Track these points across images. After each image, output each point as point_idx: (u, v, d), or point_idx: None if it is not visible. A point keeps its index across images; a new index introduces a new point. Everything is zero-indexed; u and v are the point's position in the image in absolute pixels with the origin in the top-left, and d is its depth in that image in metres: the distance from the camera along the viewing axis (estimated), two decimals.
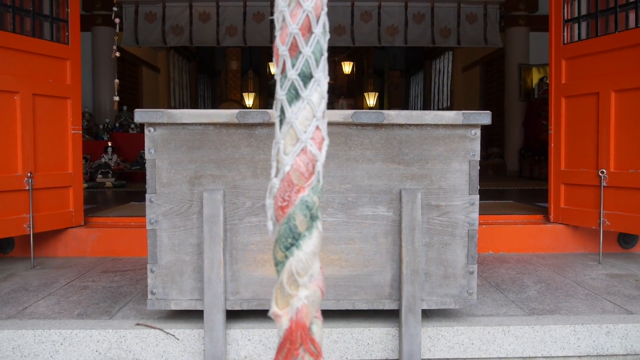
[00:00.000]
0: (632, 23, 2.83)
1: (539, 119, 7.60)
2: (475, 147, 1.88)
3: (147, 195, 1.86)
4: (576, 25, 3.15)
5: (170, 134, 1.85)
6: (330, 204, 1.87)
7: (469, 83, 11.22)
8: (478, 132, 1.88)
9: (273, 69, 9.21)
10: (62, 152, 3.05)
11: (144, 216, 1.88)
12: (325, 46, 0.64)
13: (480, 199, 1.95)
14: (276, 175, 0.65)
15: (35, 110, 2.88)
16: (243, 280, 1.87)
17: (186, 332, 1.89)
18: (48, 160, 2.96)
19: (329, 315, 2.02)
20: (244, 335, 1.90)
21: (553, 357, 1.95)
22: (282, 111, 0.64)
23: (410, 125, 1.86)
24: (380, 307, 1.89)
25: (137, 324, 1.93)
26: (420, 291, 1.85)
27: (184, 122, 1.82)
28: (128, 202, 4.47)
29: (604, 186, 2.90)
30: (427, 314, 2.03)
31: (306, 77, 0.64)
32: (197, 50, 13.72)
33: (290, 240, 0.64)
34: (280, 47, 0.64)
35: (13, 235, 2.87)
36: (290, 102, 0.64)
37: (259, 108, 14.42)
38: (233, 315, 1.97)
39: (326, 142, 0.65)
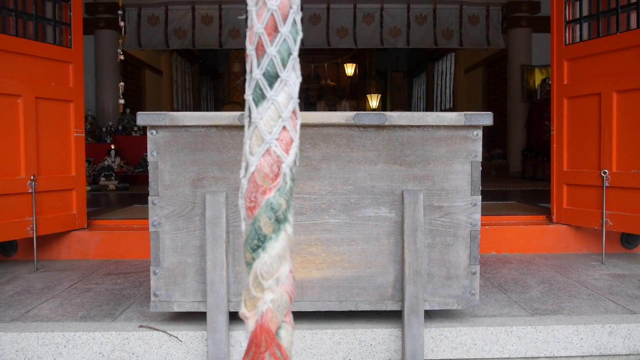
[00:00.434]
0: (633, 24, 2.83)
1: (542, 120, 7.59)
2: (477, 148, 1.89)
3: (149, 198, 1.87)
4: (578, 26, 3.15)
5: (173, 136, 1.86)
6: (332, 205, 1.87)
7: (471, 84, 11.22)
8: (480, 133, 1.88)
9: None
10: (65, 155, 3.06)
11: (147, 218, 1.89)
12: (294, 46, 0.63)
13: (483, 200, 1.95)
14: (244, 176, 0.65)
15: (38, 114, 2.89)
16: (246, 282, 1.87)
17: (189, 334, 1.90)
18: (51, 163, 2.98)
19: (332, 316, 2.02)
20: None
21: (556, 357, 1.95)
22: (250, 111, 0.64)
23: (412, 126, 1.87)
24: (383, 308, 1.89)
25: (140, 326, 1.94)
26: (422, 292, 1.85)
27: (186, 124, 1.83)
28: (131, 204, 4.48)
29: (606, 186, 2.89)
30: (429, 315, 2.03)
31: (272, 77, 0.63)
32: (199, 52, 13.75)
33: (256, 242, 0.63)
34: (248, 46, 0.63)
35: (16, 238, 2.88)
36: (257, 102, 0.63)
37: None
38: (236, 317, 1.98)
39: (295, 143, 0.64)
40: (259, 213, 0.63)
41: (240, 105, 14.37)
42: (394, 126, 1.86)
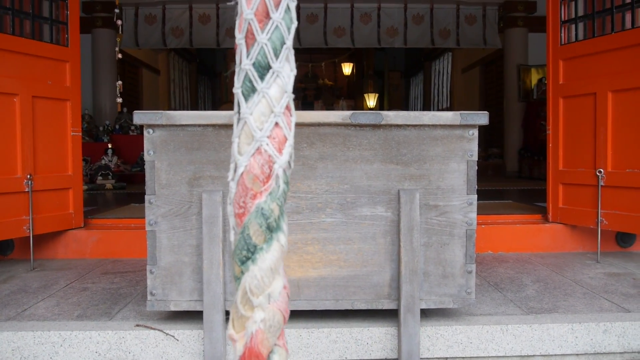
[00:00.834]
0: (628, 24, 2.84)
1: (538, 120, 7.61)
2: (473, 147, 1.89)
3: (146, 197, 1.87)
4: (573, 26, 3.17)
5: (169, 135, 1.86)
6: (329, 204, 1.88)
7: (468, 84, 11.24)
8: (476, 132, 1.89)
9: None
10: (61, 154, 3.06)
11: (144, 218, 1.89)
12: (287, 35, 0.56)
13: (480, 199, 1.96)
14: (232, 178, 0.57)
15: (35, 113, 2.89)
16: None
17: (186, 333, 1.90)
18: (48, 162, 2.97)
19: (328, 315, 2.02)
20: None
21: (551, 355, 1.96)
22: (239, 106, 0.57)
23: (408, 125, 1.87)
24: (379, 307, 1.90)
25: (137, 325, 1.94)
26: (418, 291, 1.86)
27: (183, 123, 1.83)
28: (128, 203, 4.48)
29: (601, 186, 2.91)
30: (425, 314, 2.04)
31: (262, 68, 0.56)
32: (197, 52, 13.73)
33: (245, 252, 0.55)
34: (237, 35, 0.56)
35: (13, 237, 2.88)
36: (247, 96, 0.56)
37: None
38: None
39: (290, 142, 0.56)
40: (249, 220, 0.55)
41: None
42: (391, 125, 1.87)
